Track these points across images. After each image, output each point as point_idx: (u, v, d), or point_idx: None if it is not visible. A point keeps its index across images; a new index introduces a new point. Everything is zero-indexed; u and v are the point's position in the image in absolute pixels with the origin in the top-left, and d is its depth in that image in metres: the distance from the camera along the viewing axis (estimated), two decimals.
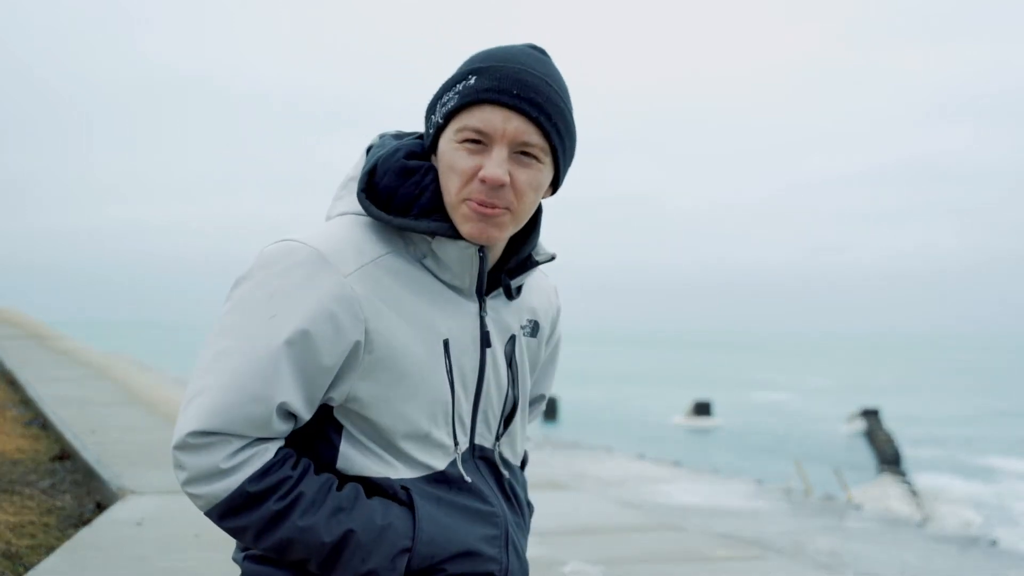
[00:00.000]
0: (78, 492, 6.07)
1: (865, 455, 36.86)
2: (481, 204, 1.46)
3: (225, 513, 1.43)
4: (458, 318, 1.54)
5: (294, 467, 1.45)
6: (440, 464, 1.53)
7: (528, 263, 1.62)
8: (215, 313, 1.53)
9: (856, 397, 59.92)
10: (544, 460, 12.95)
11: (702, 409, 47.96)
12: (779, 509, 10.77)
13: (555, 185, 1.57)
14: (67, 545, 4.60)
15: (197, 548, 4.65)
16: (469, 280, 1.54)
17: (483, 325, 1.57)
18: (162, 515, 5.28)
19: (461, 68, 1.52)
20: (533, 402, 1.87)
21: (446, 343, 1.51)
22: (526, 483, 1.80)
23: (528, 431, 1.90)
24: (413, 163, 1.52)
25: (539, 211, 1.62)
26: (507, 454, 1.67)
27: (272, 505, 1.42)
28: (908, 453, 36.09)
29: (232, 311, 1.46)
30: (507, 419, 1.65)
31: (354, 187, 1.56)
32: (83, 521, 5.31)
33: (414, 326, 1.49)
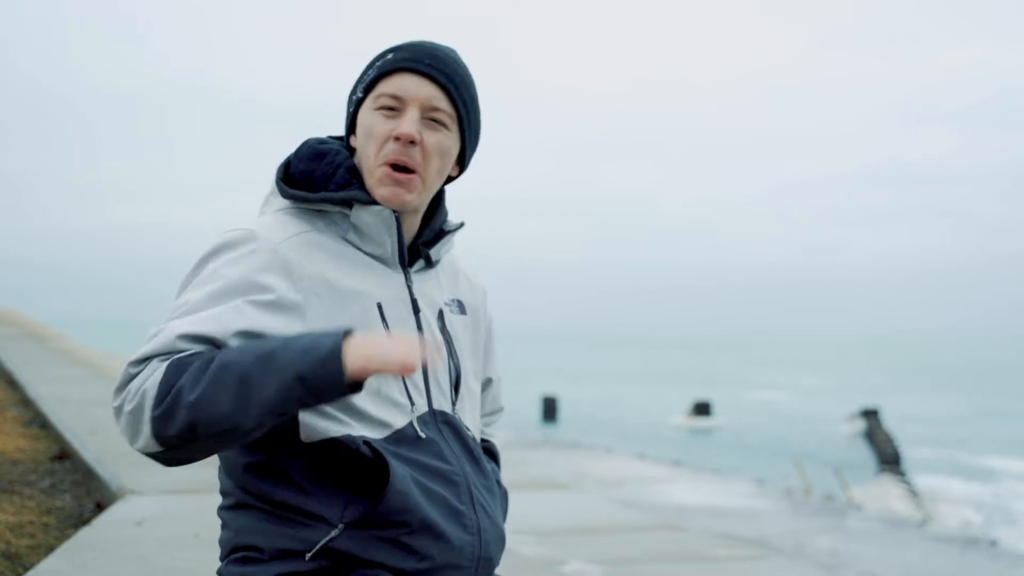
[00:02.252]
0: (78, 492, 6.07)
1: (865, 455, 36.87)
2: (394, 166, 1.59)
3: (166, 389, 1.39)
4: (387, 286, 1.63)
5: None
6: (399, 422, 1.58)
7: (441, 234, 1.74)
8: None
9: (851, 397, 60.00)
10: (544, 460, 12.95)
11: (702, 409, 48.01)
12: (779, 509, 10.77)
13: (461, 163, 1.71)
14: (67, 545, 4.60)
15: (197, 548, 4.65)
16: (391, 246, 1.63)
17: (411, 293, 1.66)
18: (162, 515, 5.27)
19: (379, 52, 1.66)
20: (483, 387, 1.90)
21: (380, 306, 1.60)
22: (497, 472, 1.83)
23: (495, 430, 1.96)
24: (324, 146, 1.66)
25: (442, 191, 1.76)
26: (467, 422, 1.71)
27: (205, 356, 1.42)
28: (908, 453, 36.10)
29: (181, 295, 1.54)
30: (456, 387, 1.70)
31: (274, 200, 1.67)
32: (83, 521, 5.31)
33: (346, 290, 1.58)
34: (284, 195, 1.63)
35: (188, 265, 1.59)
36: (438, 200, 1.75)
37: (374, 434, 1.55)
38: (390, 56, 1.63)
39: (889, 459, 33.57)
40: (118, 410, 1.46)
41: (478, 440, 1.76)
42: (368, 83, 1.63)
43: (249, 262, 1.52)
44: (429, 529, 1.54)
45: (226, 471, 1.63)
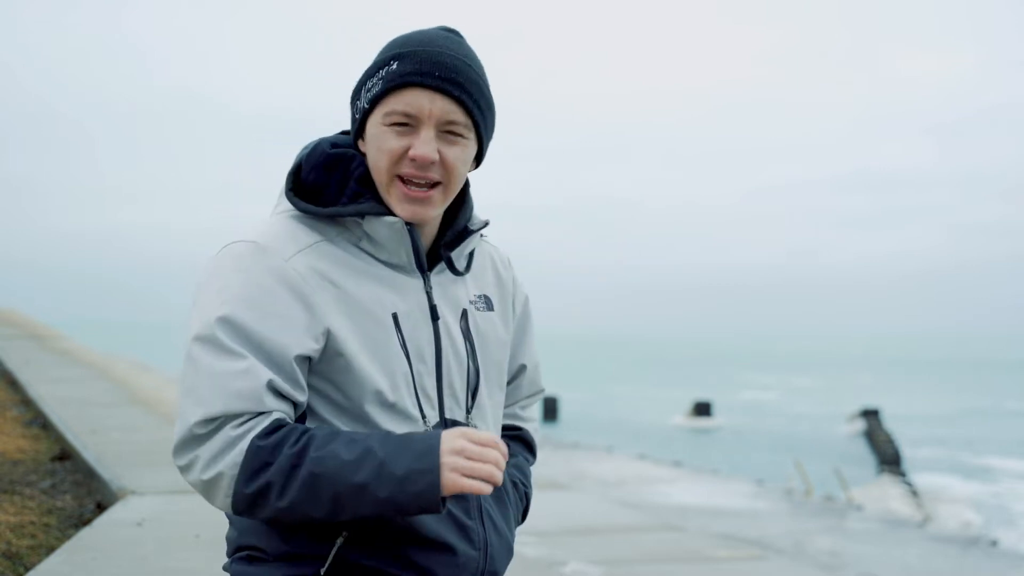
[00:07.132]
0: (78, 492, 6.07)
1: (865, 455, 36.82)
2: (412, 183, 1.54)
3: (249, 476, 1.41)
4: (404, 294, 1.59)
5: (297, 427, 1.48)
6: None
7: (464, 233, 1.67)
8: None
9: (850, 397, 60.00)
10: (544, 460, 12.95)
11: (702, 409, 47.92)
12: (779, 509, 10.77)
13: (479, 159, 1.64)
14: (67, 545, 4.60)
15: (197, 548, 4.65)
16: (406, 256, 1.59)
17: (430, 299, 1.61)
18: (162, 515, 5.27)
19: (381, 54, 1.58)
20: (516, 375, 1.88)
21: (395, 316, 1.56)
22: (524, 467, 1.82)
23: (532, 412, 1.93)
24: (338, 151, 1.60)
25: (467, 184, 1.69)
26: (481, 428, 1.68)
27: (287, 450, 1.41)
28: (908, 453, 36.04)
29: (192, 319, 1.51)
30: (474, 393, 1.67)
31: (285, 201, 1.62)
32: (83, 521, 5.31)
33: (360, 301, 1.54)
34: (295, 206, 1.57)
35: (201, 276, 1.55)
36: (463, 195, 1.68)
37: None
38: (395, 66, 1.53)
39: (889, 459, 33.46)
40: (185, 470, 1.47)
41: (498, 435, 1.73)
42: (374, 96, 1.54)
43: (253, 271, 1.49)
44: (435, 545, 1.54)
45: None
